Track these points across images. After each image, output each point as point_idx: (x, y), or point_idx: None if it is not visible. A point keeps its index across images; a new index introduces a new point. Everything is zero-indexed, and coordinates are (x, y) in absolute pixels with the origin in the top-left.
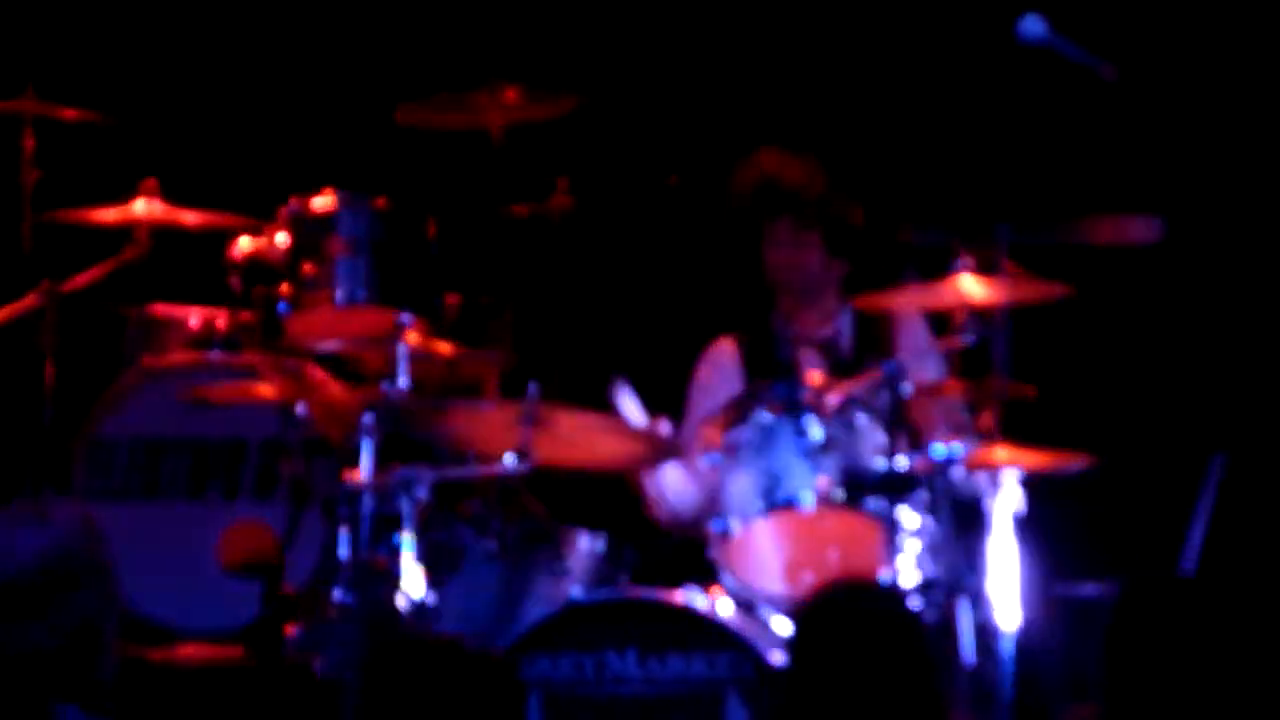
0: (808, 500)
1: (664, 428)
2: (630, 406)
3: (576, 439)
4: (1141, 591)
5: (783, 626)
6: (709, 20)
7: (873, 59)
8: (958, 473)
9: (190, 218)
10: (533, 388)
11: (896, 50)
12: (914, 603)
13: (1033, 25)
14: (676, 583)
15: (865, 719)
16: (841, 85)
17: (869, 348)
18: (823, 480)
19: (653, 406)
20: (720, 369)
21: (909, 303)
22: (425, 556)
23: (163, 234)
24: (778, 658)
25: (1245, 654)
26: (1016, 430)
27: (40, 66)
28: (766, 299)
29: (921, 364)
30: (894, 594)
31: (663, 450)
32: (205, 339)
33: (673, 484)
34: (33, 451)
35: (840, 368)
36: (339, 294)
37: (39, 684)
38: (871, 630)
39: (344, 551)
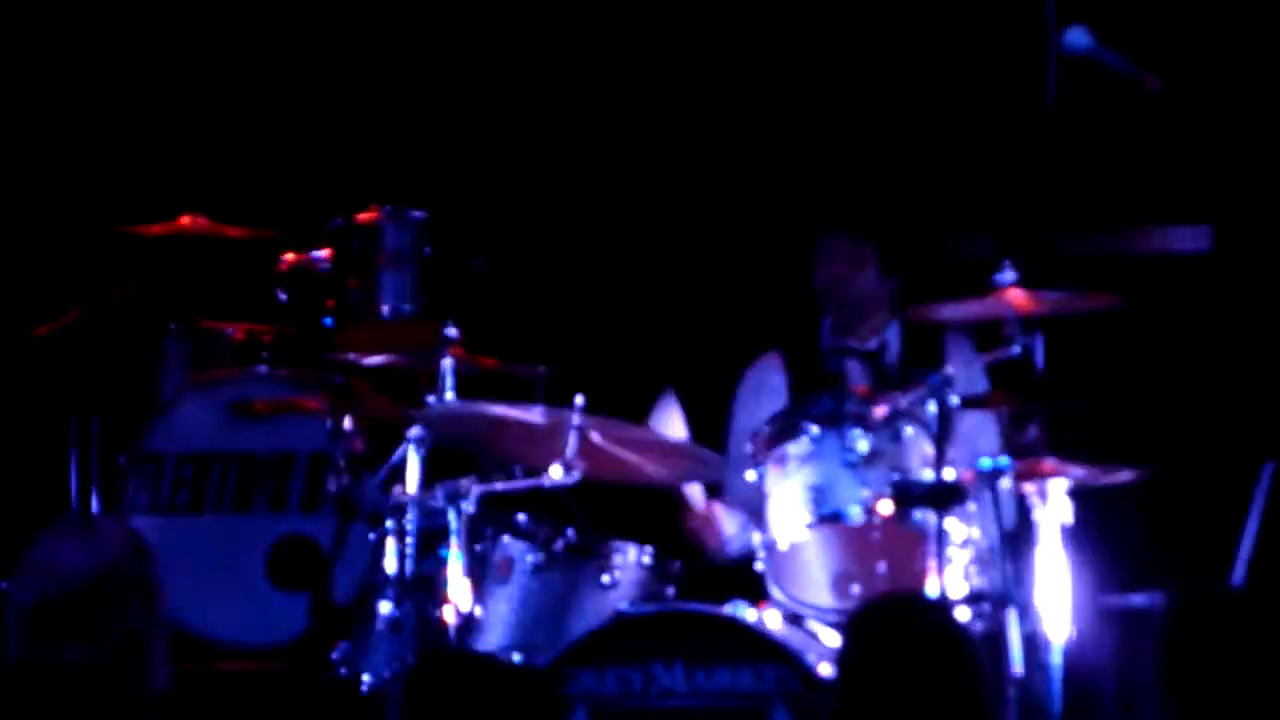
0: (855, 513)
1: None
2: (674, 420)
3: (619, 453)
4: (1192, 603)
5: (830, 639)
6: (748, 23)
7: (916, 69)
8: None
9: (236, 232)
10: (579, 400)
11: (940, 60)
12: (962, 614)
13: (1077, 37)
14: (724, 596)
15: None
16: (884, 96)
17: (916, 359)
18: (870, 493)
19: (698, 420)
20: (765, 384)
21: (956, 314)
22: (472, 569)
23: (209, 248)
24: (825, 670)
25: None
26: (1065, 441)
27: (84, 77)
28: (811, 313)
29: (967, 376)
30: (942, 606)
31: (703, 467)
32: (251, 353)
33: (730, 529)
34: (80, 466)
35: (887, 380)
36: (384, 307)
37: (86, 701)
38: (919, 643)
39: (391, 565)
